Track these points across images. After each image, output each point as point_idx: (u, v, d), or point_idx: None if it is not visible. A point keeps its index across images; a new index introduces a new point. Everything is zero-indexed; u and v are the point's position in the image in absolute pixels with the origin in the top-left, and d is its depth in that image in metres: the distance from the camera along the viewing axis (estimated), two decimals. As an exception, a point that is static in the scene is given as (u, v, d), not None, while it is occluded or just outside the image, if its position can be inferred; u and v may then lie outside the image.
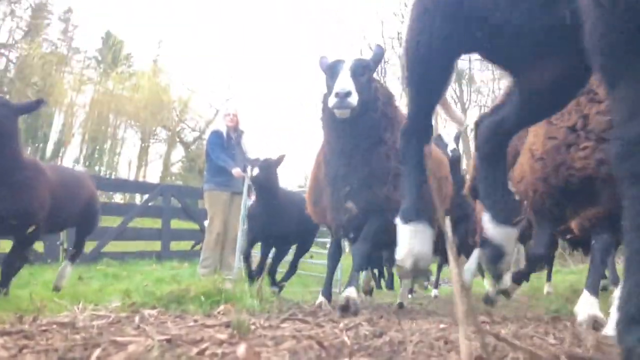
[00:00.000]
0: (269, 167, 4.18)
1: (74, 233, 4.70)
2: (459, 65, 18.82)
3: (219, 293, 2.34)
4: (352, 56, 2.99)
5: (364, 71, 2.95)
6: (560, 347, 1.42)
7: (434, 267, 6.24)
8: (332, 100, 2.79)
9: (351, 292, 2.75)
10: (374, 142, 2.97)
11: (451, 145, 4.69)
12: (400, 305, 3.88)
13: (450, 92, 19.54)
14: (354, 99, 2.76)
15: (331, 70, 3.00)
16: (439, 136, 4.83)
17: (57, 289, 4.33)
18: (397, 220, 1.79)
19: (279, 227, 4.29)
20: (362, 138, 2.95)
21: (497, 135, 1.78)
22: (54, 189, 3.73)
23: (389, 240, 3.73)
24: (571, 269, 10.12)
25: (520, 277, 3.26)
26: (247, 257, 4.60)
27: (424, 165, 1.84)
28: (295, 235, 4.60)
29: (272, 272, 4.87)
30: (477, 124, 1.87)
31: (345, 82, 2.80)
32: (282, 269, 5.25)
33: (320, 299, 3.08)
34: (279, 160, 4.34)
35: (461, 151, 4.67)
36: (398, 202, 2.77)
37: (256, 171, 4.15)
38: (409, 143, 1.81)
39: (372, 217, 2.97)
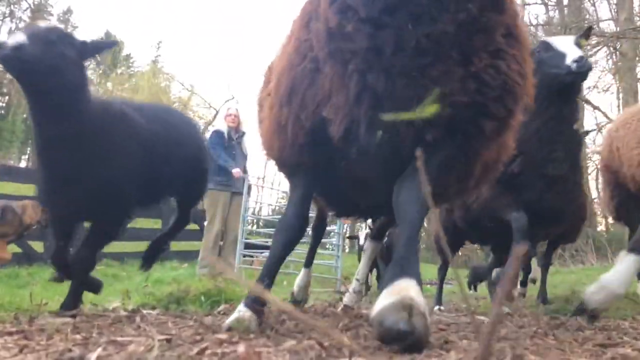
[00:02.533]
0: (53, 42, 1.95)
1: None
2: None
3: (219, 293, 2.34)
4: None
5: None
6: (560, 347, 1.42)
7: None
8: None
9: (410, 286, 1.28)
10: None
11: (573, 54, 2.50)
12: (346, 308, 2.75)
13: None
14: None
15: None
16: (547, 43, 2.69)
17: None
18: None
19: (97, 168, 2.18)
20: None
21: None
22: None
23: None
24: (571, 269, 10.13)
25: None
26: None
27: None
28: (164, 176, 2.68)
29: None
30: None
31: None
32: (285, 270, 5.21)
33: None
34: (99, 46, 2.24)
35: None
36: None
37: (20, 38, 1.87)
38: None
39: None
